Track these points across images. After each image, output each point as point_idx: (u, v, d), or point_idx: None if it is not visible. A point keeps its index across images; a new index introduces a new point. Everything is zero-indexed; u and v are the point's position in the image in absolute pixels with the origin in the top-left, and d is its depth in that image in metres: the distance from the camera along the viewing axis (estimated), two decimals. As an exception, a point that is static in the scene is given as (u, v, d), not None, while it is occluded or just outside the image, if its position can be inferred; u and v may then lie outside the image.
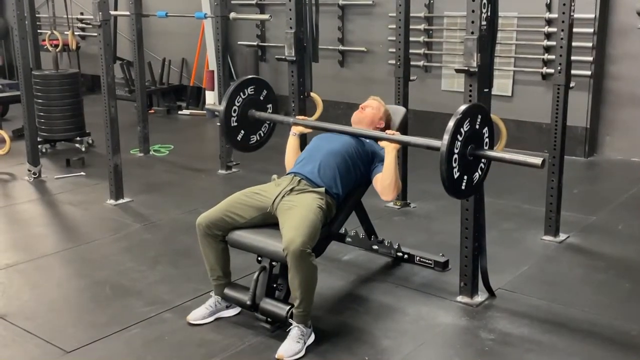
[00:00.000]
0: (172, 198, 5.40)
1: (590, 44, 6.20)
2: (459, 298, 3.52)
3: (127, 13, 6.71)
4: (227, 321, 3.32)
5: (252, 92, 3.77)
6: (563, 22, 4.09)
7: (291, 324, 3.05)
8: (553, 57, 5.08)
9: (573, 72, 4.32)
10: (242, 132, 3.80)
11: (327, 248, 3.42)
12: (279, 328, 3.17)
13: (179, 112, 9.09)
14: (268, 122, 3.88)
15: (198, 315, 3.31)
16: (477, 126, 3.00)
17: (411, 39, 4.98)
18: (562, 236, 4.36)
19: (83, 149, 6.79)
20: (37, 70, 6.88)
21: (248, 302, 3.17)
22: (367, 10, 7.62)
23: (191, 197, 5.37)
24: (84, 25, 10.24)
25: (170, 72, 9.35)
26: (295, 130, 3.73)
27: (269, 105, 3.86)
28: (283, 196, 3.25)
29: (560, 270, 3.95)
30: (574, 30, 4.21)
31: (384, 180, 3.36)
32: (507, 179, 5.64)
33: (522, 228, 4.57)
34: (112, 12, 6.19)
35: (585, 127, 6.42)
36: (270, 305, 3.14)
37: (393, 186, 3.36)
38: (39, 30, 7.49)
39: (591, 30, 6.18)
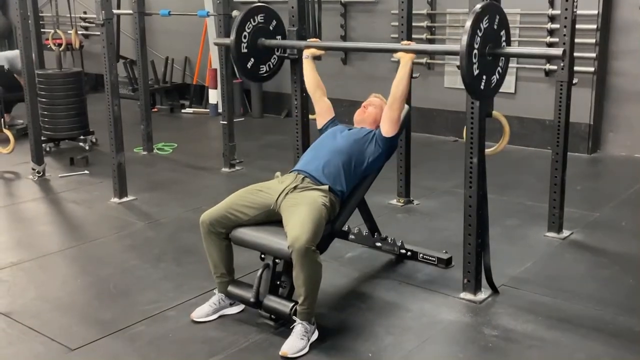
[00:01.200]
0: (175, 196, 5.41)
1: (593, 41, 6.19)
2: (463, 295, 3.52)
3: (130, 12, 6.72)
4: (231, 318, 3.33)
5: (262, 21, 3.80)
6: (566, 18, 4.08)
7: (295, 321, 3.06)
8: (556, 53, 5.07)
9: (576, 68, 4.32)
10: (252, 59, 3.83)
11: (331, 245, 3.43)
12: (282, 325, 3.18)
13: (182, 111, 9.10)
14: (277, 52, 3.89)
15: (202, 312, 3.32)
16: (495, 26, 3.02)
17: (414, 36, 4.98)
18: (565, 232, 4.36)
19: (87, 148, 6.81)
20: (40, 69, 6.89)
21: (252, 300, 3.18)
22: (370, 8, 7.62)
23: (195, 195, 5.39)
24: (87, 24, 10.26)
25: (174, 71, 9.36)
26: (308, 53, 3.78)
27: (279, 37, 3.89)
28: (287, 193, 3.26)
29: (564, 267, 3.95)
30: (577, 26, 4.20)
31: (396, 91, 3.44)
32: (510, 175, 5.65)
33: (525, 224, 4.57)
34: (115, 11, 6.20)
35: (589, 124, 6.41)
36: (274, 302, 3.15)
37: (403, 97, 3.45)
38: (42, 30, 7.50)
39: (594, 26, 6.17)
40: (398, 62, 3.52)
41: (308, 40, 3.83)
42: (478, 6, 2.95)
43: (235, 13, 5.92)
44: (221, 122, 6.14)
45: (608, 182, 5.91)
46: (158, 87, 9.18)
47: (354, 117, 3.78)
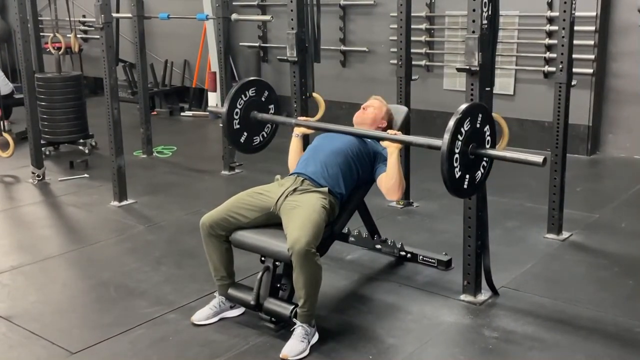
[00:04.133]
0: (175, 199, 5.41)
1: (591, 42, 6.21)
2: (463, 296, 3.52)
3: (129, 15, 6.72)
4: (231, 321, 3.33)
5: (254, 94, 3.78)
6: (564, 20, 4.10)
7: (295, 324, 3.06)
8: (555, 55, 5.08)
9: (575, 70, 4.33)
10: (245, 134, 3.81)
11: (331, 248, 3.44)
12: (283, 328, 3.18)
13: (182, 114, 9.11)
14: (270, 123, 3.89)
15: (202, 315, 3.32)
16: (478, 125, 3.01)
17: (413, 38, 4.99)
18: (565, 234, 4.37)
19: (86, 151, 6.80)
20: (40, 73, 6.90)
21: (252, 302, 3.18)
22: (369, 10, 7.63)
23: (194, 198, 5.39)
24: (86, 28, 10.27)
25: (173, 74, 9.37)
26: (298, 131, 3.74)
27: (271, 106, 3.87)
28: (286, 196, 3.26)
29: (564, 268, 3.95)
30: (576, 28, 4.21)
31: (389, 181, 3.37)
32: (509, 177, 5.64)
33: (525, 226, 4.58)
34: (114, 15, 6.20)
35: (588, 125, 6.42)
36: (274, 305, 3.15)
37: (397, 186, 3.37)
38: (41, 33, 7.50)
39: (593, 28, 6.18)
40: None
41: (298, 118, 3.84)
42: (460, 108, 2.91)
43: (234, 16, 5.93)
44: (220, 125, 6.13)
45: (607, 184, 5.91)
46: (157, 91, 9.19)
47: (353, 118, 3.78)
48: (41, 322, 3.40)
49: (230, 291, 3.31)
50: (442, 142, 2.89)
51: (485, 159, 3.10)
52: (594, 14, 6.15)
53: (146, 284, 3.81)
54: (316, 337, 3.10)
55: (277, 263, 3.21)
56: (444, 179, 2.92)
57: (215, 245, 3.26)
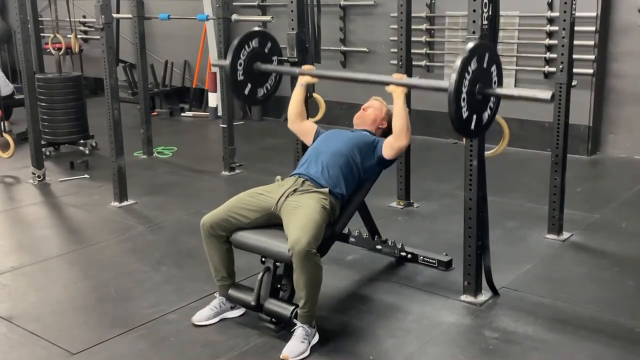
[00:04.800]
0: (176, 200, 5.41)
1: (592, 42, 6.20)
2: (463, 297, 3.52)
3: (130, 16, 6.72)
4: (232, 322, 3.33)
5: (257, 45, 3.77)
6: (564, 20, 4.10)
7: (295, 324, 3.06)
8: (555, 55, 5.08)
9: (575, 70, 4.33)
10: (249, 85, 3.80)
11: (331, 248, 3.43)
12: (283, 328, 3.18)
13: (182, 114, 9.11)
14: (274, 74, 3.87)
15: (203, 316, 3.32)
16: (485, 65, 2.97)
17: (413, 38, 4.99)
18: (565, 234, 4.36)
19: (87, 152, 6.80)
20: (40, 73, 6.90)
21: (252, 303, 3.18)
22: (369, 11, 7.63)
23: (195, 199, 5.39)
24: (86, 29, 10.26)
25: (173, 74, 9.37)
26: (302, 80, 3.75)
27: (274, 58, 3.87)
28: (287, 197, 3.26)
29: (564, 269, 3.95)
30: (576, 28, 4.22)
31: (396, 125, 3.38)
32: (510, 177, 5.65)
33: (525, 226, 4.58)
34: (115, 15, 6.19)
35: (588, 126, 6.42)
36: (274, 305, 3.15)
37: (406, 130, 3.39)
38: (41, 34, 7.51)
39: (593, 28, 6.18)
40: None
41: (302, 67, 3.84)
42: (467, 47, 2.89)
43: (234, 17, 5.93)
44: (221, 125, 6.14)
45: (608, 184, 5.91)
46: (158, 91, 9.19)
47: (353, 119, 3.78)
48: (41, 322, 3.40)
49: (231, 292, 3.31)
50: (449, 82, 2.84)
51: (492, 98, 3.06)
52: (594, 14, 6.15)
53: (146, 284, 3.81)
54: (316, 338, 3.10)
55: (277, 264, 3.21)
56: (452, 119, 2.88)
57: (216, 246, 3.26)
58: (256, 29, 3.91)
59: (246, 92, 3.79)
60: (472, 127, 2.99)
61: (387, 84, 3.41)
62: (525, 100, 3.06)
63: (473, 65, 2.89)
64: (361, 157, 3.47)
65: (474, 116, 2.98)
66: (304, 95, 3.77)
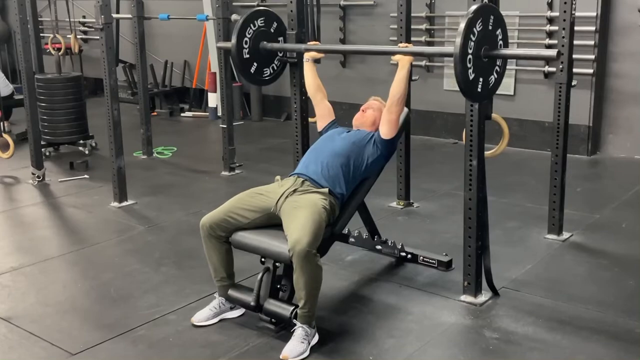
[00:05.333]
0: (175, 200, 5.41)
1: (592, 42, 6.20)
2: (463, 297, 3.52)
3: (129, 16, 6.73)
4: (232, 322, 3.33)
5: (263, 24, 3.79)
6: (564, 20, 4.09)
7: (295, 325, 3.06)
8: (555, 55, 5.07)
9: (575, 70, 4.33)
10: (255, 64, 3.83)
11: (331, 248, 3.43)
12: (283, 329, 3.18)
13: (182, 114, 9.11)
14: (280, 54, 3.88)
15: (202, 316, 3.32)
16: (490, 27, 2.98)
17: (413, 38, 4.99)
18: (565, 234, 4.36)
19: (86, 152, 6.80)
20: (40, 73, 6.89)
21: (252, 303, 3.18)
22: (369, 11, 7.62)
23: (195, 199, 5.39)
24: (86, 29, 10.26)
25: (173, 75, 9.37)
26: (308, 55, 3.78)
27: (280, 38, 3.89)
28: (286, 197, 3.26)
29: (564, 269, 3.95)
30: (576, 28, 4.21)
31: (395, 94, 3.43)
32: (510, 178, 5.65)
33: (525, 227, 4.57)
34: (114, 15, 6.19)
35: (588, 126, 6.42)
36: (274, 306, 3.15)
37: (402, 99, 3.43)
38: (41, 34, 7.50)
39: (593, 28, 6.18)
40: (397, 65, 3.53)
41: (308, 43, 3.84)
42: (471, 9, 2.91)
43: (234, 17, 5.93)
44: (221, 125, 6.14)
45: (608, 184, 5.91)
46: (157, 91, 9.19)
47: (352, 120, 3.78)
48: (41, 323, 3.40)
49: (231, 292, 3.31)
50: (455, 44, 2.84)
51: (498, 62, 3.07)
52: (594, 14, 6.14)
53: (146, 284, 3.81)
54: (316, 338, 3.10)
55: (277, 264, 3.21)
56: (458, 81, 2.90)
57: (215, 246, 3.26)
58: (260, 8, 3.91)
59: (252, 70, 3.81)
60: (479, 89, 3.01)
61: (393, 53, 3.43)
62: (530, 59, 3.07)
63: (478, 27, 2.90)
64: (362, 154, 3.47)
65: (481, 79, 2.99)
66: (314, 69, 3.82)
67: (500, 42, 3.07)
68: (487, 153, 3.51)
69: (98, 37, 5.10)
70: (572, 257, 4.10)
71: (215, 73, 8.31)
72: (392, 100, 3.48)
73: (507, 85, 6.71)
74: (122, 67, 9.06)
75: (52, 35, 7.17)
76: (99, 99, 6.31)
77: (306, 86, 3.84)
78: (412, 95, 4.87)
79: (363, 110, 3.74)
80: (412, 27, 4.93)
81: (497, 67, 3.10)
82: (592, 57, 6.22)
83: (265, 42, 3.79)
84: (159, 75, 9.27)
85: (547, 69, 6.47)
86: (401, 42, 3.56)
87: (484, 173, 3.43)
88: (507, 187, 5.32)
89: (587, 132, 6.43)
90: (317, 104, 3.81)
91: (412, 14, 4.86)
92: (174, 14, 6.62)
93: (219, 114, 7.02)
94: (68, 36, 7.45)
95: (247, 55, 3.74)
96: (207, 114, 8.81)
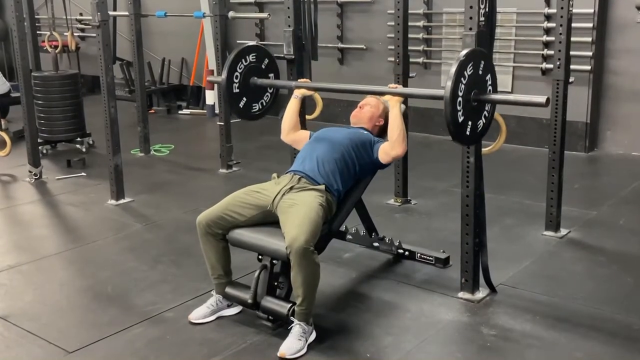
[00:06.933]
0: (173, 198, 5.40)
1: (589, 39, 6.20)
2: (460, 294, 3.52)
3: (126, 13, 6.71)
4: (229, 320, 3.32)
5: (254, 60, 3.77)
6: (562, 17, 4.09)
7: (293, 322, 3.05)
8: (552, 52, 5.07)
9: (573, 67, 4.32)
10: (244, 99, 3.80)
11: (328, 246, 3.43)
12: (280, 326, 3.17)
13: (179, 112, 9.09)
14: (270, 90, 3.88)
15: (199, 314, 3.31)
16: (480, 71, 3.00)
17: (410, 35, 4.98)
18: (563, 231, 4.36)
19: (84, 150, 6.79)
20: (36, 71, 6.88)
21: (249, 301, 3.17)
22: (366, 8, 7.62)
23: (192, 197, 5.38)
24: (83, 26, 10.24)
25: (170, 72, 9.36)
26: (298, 92, 3.75)
27: (271, 75, 3.87)
28: (283, 194, 3.25)
29: (562, 266, 3.95)
30: (573, 25, 4.20)
31: (392, 134, 3.37)
32: (507, 175, 5.65)
33: (523, 223, 4.57)
34: (111, 13, 6.18)
35: (586, 122, 6.42)
36: (271, 303, 3.15)
37: (401, 139, 3.37)
38: (38, 32, 7.49)
39: (590, 25, 6.17)
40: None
41: (298, 80, 3.84)
42: (462, 53, 2.92)
43: (231, 14, 5.92)
44: (218, 123, 6.13)
45: (605, 181, 5.91)
46: (155, 89, 9.17)
47: (350, 117, 3.77)
48: (38, 321, 3.39)
49: (228, 290, 3.30)
50: (445, 87, 2.87)
51: (487, 106, 3.09)
52: (591, 10, 6.14)
53: (143, 282, 3.80)
54: (314, 336, 3.09)
55: (274, 261, 3.20)
56: (448, 124, 2.91)
57: (212, 244, 3.25)
58: (252, 43, 3.90)
59: (241, 105, 3.80)
60: (468, 132, 3.02)
61: (383, 94, 3.42)
62: (520, 105, 3.09)
63: (469, 71, 2.92)
64: (357, 153, 3.46)
65: (469, 122, 3.01)
66: (299, 107, 3.77)
67: (490, 87, 3.08)
68: (484, 150, 3.51)
69: (95, 35, 5.09)
70: (569, 254, 4.10)
71: (212, 70, 8.29)
72: (392, 140, 3.38)
73: (504, 82, 6.71)
74: (119, 64, 9.05)
75: (49, 33, 7.16)
76: (96, 96, 6.28)
77: (284, 120, 3.75)
78: (409, 92, 4.87)
79: (360, 107, 3.73)
80: (410, 24, 4.93)
81: (485, 112, 3.11)
82: (590, 54, 6.22)
83: (255, 78, 3.78)
84: (157, 73, 9.26)
85: (544, 65, 6.47)
86: (391, 83, 3.57)
87: (481, 170, 3.42)
88: (504, 184, 5.32)
89: (584, 129, 6.43)
90: (291, 138, 3.73)
91: (410, 11, 4.87)
92: (171, 12, 6.58)
93: (217, 111, 7.01)
94: (65, 34, 7.45)
95: (237, 90, 3.74)
96: (205, 111, 8.80)
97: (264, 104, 3.89)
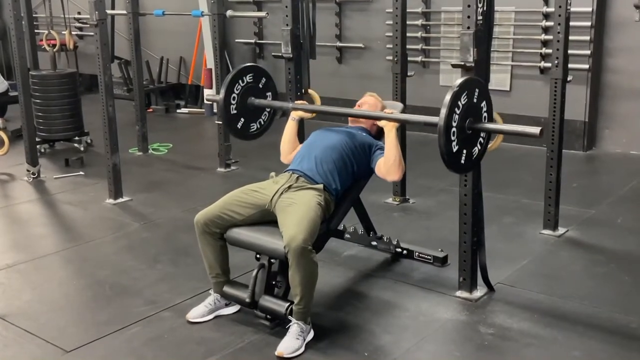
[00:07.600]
0: (171, 196, 5.40)
1: (587, 38, 6.20)
2: (458, 293, 3.52)
3: (124, 12, 6.70)
4: (227, 319, 3.32)
5: (251, 80, 3.77)
6: (560, 15, 4.08)
7: (290, 321, 3.05)
8: (550, 51, 5.07)
9: (571, 65, 4.32)
10: (242, 120, 3.80)
11: (326, 245, 3.43)
12: (278, 325, 3.17)
13: (178, 111, 9.09)
14: (268, 109, 3.87)
15: (197, 313, 3.31)
16: (475, 100, 2.99)
17: (408, 34, 4.98)
18: (561, 230, 4.36)
19: (82, 149, 6.79)
20: (34, 70, 6.87)
21: (247, 300, 3.17)
22: (364, 7, 7.61)
23: (190, 196, 5.37)
24: (81, 25, 10.23)
25: (168, 71, 9.35)
26: (295, 114, 3.73)
27: (269, 94, 3.86)
28: (281, 193, 3.25)
29: (560, 264, 3.95)
30: (571, 23, 4.20)
31: (388, 161, 3.36)
32: (506, 173, 5.65)
33: (521, 222, 4.57)
34: (109, 11, 6.17)
35: (584, 121, 6.42)
36: (269, 302, 3.15)
37: (397, 165, 3.35)
38: (36, 30, 7.49)
39: (589, 23, 6.17)
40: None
41: (295, 102, 3.83)
42: (457, 82, 2.91)
43: (229, 13, 5.91)
44: (216, 121, 6.12)
45: (603, 179, 5.91)
46: (153, 88, 9.16)
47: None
48: (36, 320, 3.39)
49: (226, 289, 3.30)
50: (439, 116, 2.86)
51: (482, 134, 3.07)
52: (589, 9, 6.14)
53: (141, 282, 3.80)
54: (312, 335, 3.09)
55: (272, 260, 3.20)
56: (442, 153, 2.91)
57: (210, 243, 3.25)
58: (249, 64, 3.89)
59: (239, 126, 3.80)
60: (462, 161, 3.01)
61: (379, 119, 3.41)
62: (514, 135, 3.08)
63: (463, 100, 2.91)
64: (355, 154, 3.45)
65: (464, 151, 3.00)
66: (296, 130, 3.74)
67: (485, 114, 3.06)
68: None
69: (93, 34, 5.08)
70: (567, 253, 4.10)
71: (211, 69, 8.29)
72: (388, 165, 3.36)
73: (503, 81, 6.72)
74: (117, 63, 9.04)
75: (47, 32, 7.14)
76: (94, 95, 6.29)
77: (282, 143, 3.73)
78: (408, 91, 4.88)
79: (358, 106, 3.73)
80: (408, 22, 4.93)
81: (480, 139, 3.09)
82: (588, 52, 6.22)
83: (253, 98, 3.77)
84: (155, 72, 9.24)
85: (542, 64, 6.47)
86: (387, 109, 3.57)
87: (479, 169, 3.42)
88: (502, 183, 5.32)
89: (582, 127, 6.43)
90: (291, 157, 3.67)
91: (408, 10, 4.86)
92: (169, 10, 6.58)
93: (215, 110, 7.00)
94: (63, 32, 7.42)
95: (235, 111, 3.73)
96: (203, 110, 8.80)
97: (262, 123, 3.89)
